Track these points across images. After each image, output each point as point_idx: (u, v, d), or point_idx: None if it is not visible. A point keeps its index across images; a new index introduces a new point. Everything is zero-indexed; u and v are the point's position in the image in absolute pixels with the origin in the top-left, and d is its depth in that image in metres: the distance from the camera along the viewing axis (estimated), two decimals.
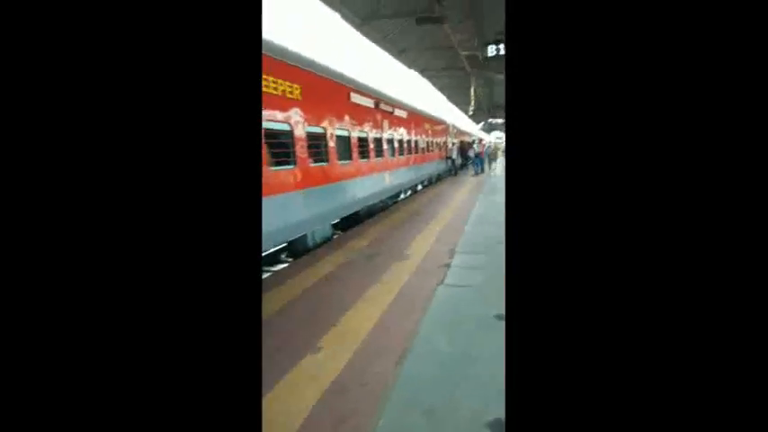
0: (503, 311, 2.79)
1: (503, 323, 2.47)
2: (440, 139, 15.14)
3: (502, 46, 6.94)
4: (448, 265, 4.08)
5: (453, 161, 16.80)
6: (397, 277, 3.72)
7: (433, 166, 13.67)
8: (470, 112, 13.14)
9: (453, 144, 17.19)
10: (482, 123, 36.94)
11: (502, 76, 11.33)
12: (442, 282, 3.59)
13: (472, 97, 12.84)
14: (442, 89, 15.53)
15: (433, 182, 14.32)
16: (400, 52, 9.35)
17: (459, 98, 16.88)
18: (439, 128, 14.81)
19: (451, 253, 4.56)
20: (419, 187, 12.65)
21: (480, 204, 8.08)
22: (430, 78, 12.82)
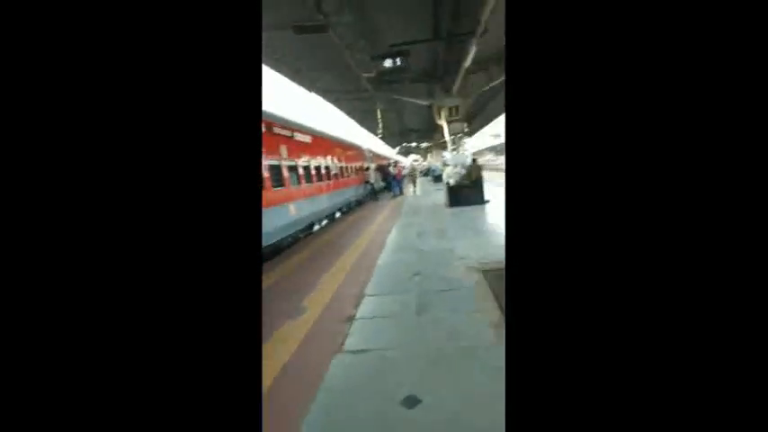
0: (415, 390, 1.97)
1: (413, 412, 1.81)
2: (356, 164, 14.62)
3: (398, 59, 6.57)
4: (352, 319, 3.17)
5: (372, 185, 16.44)
6: (278, 355, 2.67)
7: (350, 192, 12.96)
8: (379, 135, 12.93)
9: (369, 168, 16.85)
10: (398, 147, 38.17)
11: (408, 99, 11.21)
12: (340, 348, 2.65)
13: (379, 120, 12.63)
14: (350, 113, 15.16)
15: (352, 207, 13.63)
16: (296, 72, 8.66)
17: (369, 123, 16.66)
18: (353, 152, 14.29)
19: (360, 297, 3.68)
20: (338, 214, 11.79)
21: (398, 229, 7.48)
22: (336, 102, 12.27)
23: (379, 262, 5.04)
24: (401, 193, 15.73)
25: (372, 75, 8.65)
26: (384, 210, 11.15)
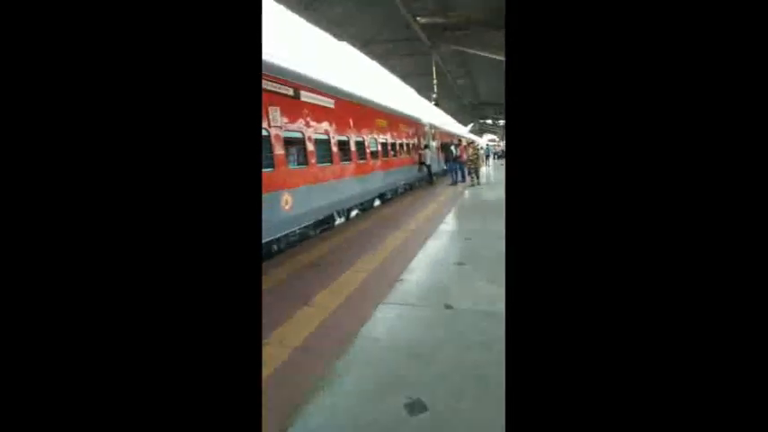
0: None
1: None
2: (406, 141, 11.97)
3: None
4: None
5: (429, 167, 13.68)
6: None
7: (395, 176, 10.40)
8: (433, 101, 9.78)
9: (426, 147, 13.99)
10: (471, 125, 33.77)
11: (478, 53, 8.08)
12: None
13: (434, 79, 9.43)
14: (405, 78, 12.28)
15: (399, 193, 11.23)
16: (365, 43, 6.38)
17: (428, 92, 13.31)
18: (403, 125, 11.62)
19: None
20: (376, 203, 9.47)
21: (437, 239, 4.88)
22: (383, 59, 9.54)
23: (362, 331, 2.58)
24: (463, 179, 12.75)
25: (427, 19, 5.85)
26: (433, 202, 8.49)
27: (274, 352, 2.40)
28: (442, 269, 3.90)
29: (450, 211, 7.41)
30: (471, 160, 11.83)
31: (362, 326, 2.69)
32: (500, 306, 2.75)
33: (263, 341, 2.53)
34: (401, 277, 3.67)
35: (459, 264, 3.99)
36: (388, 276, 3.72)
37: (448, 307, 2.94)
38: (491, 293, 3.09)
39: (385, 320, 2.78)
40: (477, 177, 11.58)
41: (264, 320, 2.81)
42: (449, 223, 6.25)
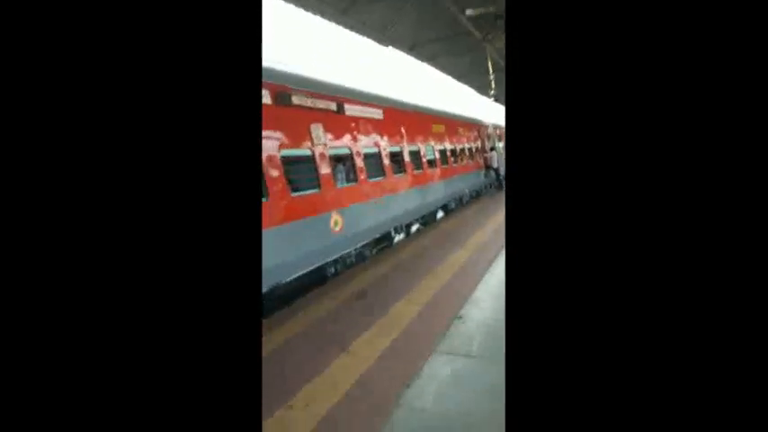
0: None
1: None
2: (470, 146, 11.09)
3: None
4: None
5: (497, 171, 12.56)
6: None
7: (455, 186, 9.58)
8: (492, 97, 8.65)
9: (493, 149, 12.86)
10: None
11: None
12: None
13: (491, 75, 8.31)
14: (461, 77, 11.40)
15: (464, 202, 10.44)
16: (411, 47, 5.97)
17: (483, 86, 11.98)
18: (462, 130, 10.79)
19: None
20: (439, 215, 8.82)
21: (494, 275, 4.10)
22: (433, 61, 8.87)
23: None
24: None
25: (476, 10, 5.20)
26: (502, 210, 7.55)
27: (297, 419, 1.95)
28: None
29: None
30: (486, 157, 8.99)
31: (408, 386, 2.12)
32: None
33: (288, 403, 2.11)
34: (460, 313, 3.01)
35: None
36: (443, 312, 3.09)
37: None
38: None
39: (435, 379, 2.17)
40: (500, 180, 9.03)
41: (293, 372, 2.43)
42: None
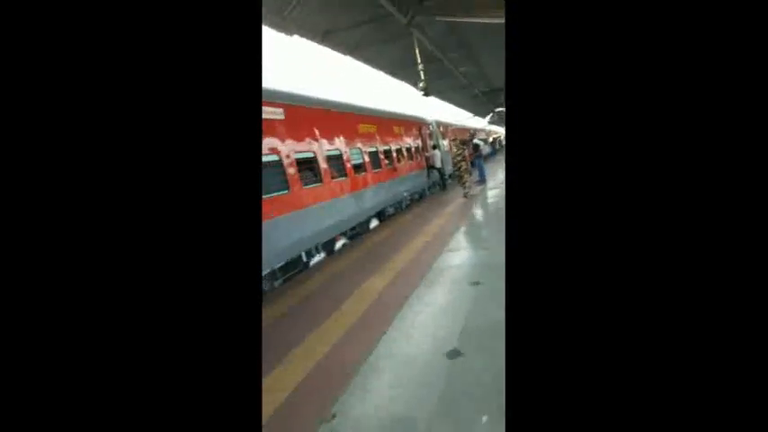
0: None
1: None
2: (409, 145, 10.24)
3: None
4: None
5: (440, 171, 11.85)
6: None
7: (390, 191, 8.63)
8: (421, 90, 7.74)
9: (435, 148, 12.15)
10: (490, 116, 31.29)
11: (472, 21, 6.34)
12: None
13: (419, 66, 7.25)
14: (393, 72, 10.49)
15: (405, 206, 9.61)
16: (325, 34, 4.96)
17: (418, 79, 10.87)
18: (403, 130, 9.90)
19: None
20: (373, 223, 7.83)
21: (431, 287, 3.15)
22: (354, 52, 7.80)
23: None
24: (484, 180, 10.77)
25: None
26: (439, 217, 6.71)
27: None
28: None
29: (459, 228, 5.62)
30: (455, 163, 8.77)
31: None
32: None
33: None
34: (333, 411, 1.98)
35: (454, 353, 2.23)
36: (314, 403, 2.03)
37: None
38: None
39: None
40: (464, 185, 8.60)
41: None
42: (455, 251, 4.47)
